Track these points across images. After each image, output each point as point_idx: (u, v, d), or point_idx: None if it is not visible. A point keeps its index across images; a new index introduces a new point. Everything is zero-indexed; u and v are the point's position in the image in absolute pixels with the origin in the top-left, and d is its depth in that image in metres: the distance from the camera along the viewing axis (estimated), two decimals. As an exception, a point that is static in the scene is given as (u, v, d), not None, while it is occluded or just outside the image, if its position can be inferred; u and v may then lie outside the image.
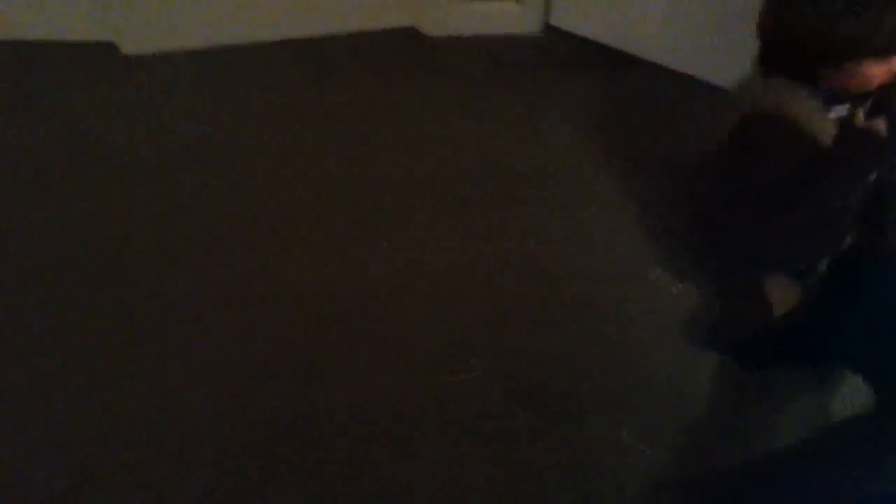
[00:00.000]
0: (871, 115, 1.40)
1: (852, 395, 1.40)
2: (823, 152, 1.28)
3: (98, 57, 2.16)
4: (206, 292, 1.50)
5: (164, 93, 2.07)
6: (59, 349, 1.37)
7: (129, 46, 2.14)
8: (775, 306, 1.44)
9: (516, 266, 1.64)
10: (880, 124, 1.34)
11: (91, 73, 2.11)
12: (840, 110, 1.30)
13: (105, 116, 1.95)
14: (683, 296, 1.60)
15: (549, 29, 2.38)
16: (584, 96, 2.15)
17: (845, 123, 1.31)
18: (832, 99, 1.27)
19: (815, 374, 1.51)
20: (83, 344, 1.39)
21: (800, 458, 1.30)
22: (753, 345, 1.47)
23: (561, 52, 2.30)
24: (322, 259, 1.60)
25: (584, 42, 2.31)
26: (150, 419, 1.27)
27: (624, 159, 1.91)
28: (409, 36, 2.35)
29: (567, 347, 1.49)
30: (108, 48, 2.16)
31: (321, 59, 2.23)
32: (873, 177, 1.36)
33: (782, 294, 1.46)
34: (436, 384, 1.38)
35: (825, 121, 1.31)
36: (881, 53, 1.24)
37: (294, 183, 1.79)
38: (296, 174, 1.82)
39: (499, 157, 1.91)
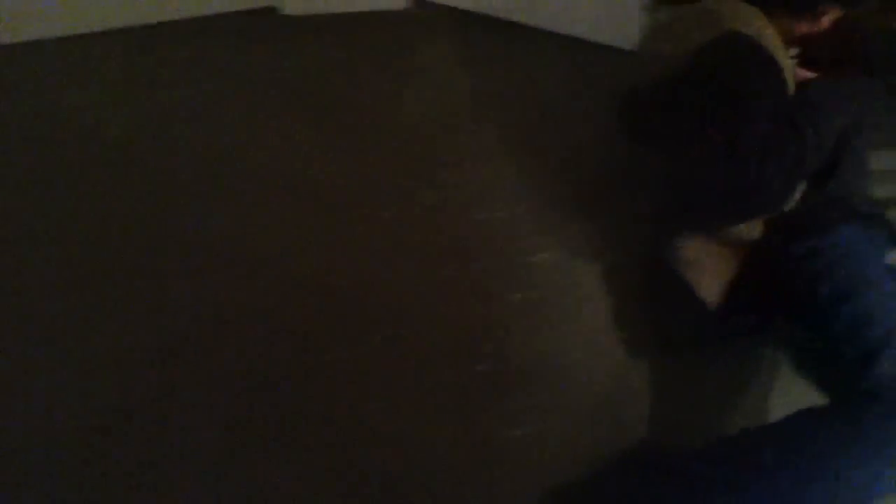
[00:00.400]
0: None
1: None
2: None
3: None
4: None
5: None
6: None
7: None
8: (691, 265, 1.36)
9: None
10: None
11: None
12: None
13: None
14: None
15: (419, 2, 2.24)
16: (447, 66, 2.03)
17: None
18: None
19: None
20: None
21: (730, 456, 1.20)
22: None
23: (428, 23, 2.16)
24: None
25: (456, 11, 2.18)
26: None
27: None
28: (267, 16, 2.17)
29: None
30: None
31: (153, 49, 2.04)
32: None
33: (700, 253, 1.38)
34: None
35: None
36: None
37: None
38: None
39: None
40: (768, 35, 1.33)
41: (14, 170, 1.67)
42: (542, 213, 1.66)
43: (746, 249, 1.39)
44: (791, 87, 1.35)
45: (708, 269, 1.40)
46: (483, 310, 1.50)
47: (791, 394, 1.38)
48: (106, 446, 1.24)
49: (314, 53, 2.06)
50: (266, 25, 2.15)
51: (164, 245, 1.54)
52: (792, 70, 1.38)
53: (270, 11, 2.19)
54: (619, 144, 1.55)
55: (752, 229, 1.38)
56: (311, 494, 1.24)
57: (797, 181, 1.33)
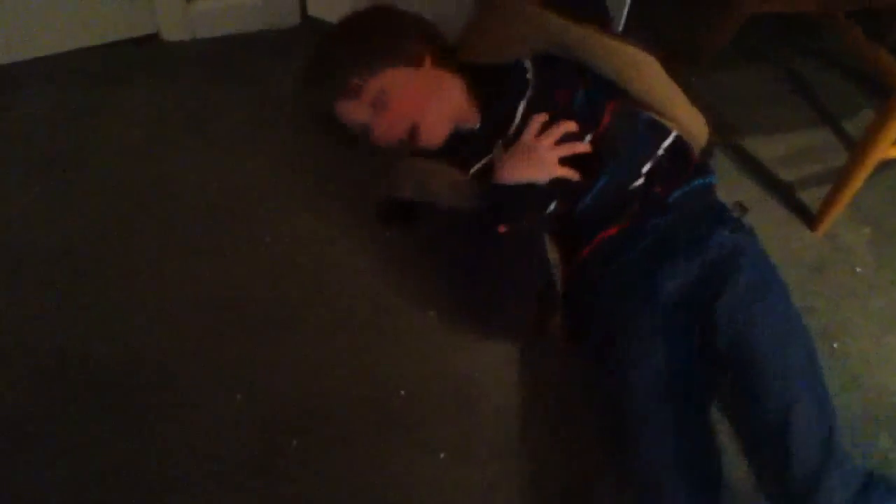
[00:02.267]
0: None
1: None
2: None
3: None
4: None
5: None
6: None
7: None
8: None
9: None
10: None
11: None
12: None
13: None
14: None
15: (307, 20, 2.15)
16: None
17: None
18: None
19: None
20: None
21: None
22: None
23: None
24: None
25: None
26: None
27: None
28: (147, 44, 2.04)
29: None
30: None
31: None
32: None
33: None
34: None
35: None
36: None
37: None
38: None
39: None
40: None
41: None
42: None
43: None
44: None
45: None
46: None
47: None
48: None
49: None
50: (145, 55, 2.02)
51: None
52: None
53: (151, 39, 2.06)
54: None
55: None
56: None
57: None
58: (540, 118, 1.40)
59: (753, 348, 1.23)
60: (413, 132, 1.42)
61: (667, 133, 1.43)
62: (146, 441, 1.34)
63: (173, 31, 2.03)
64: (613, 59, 1.43)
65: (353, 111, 1.43)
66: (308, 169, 1.77)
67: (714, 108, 1.99)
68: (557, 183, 1.38)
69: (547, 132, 1.39)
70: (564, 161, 1.38)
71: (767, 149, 1.95)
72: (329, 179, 1.75)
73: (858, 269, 1.72)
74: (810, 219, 1.79)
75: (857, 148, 1.66)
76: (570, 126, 1.40)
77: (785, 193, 1.85)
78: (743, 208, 1.48)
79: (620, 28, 1.68)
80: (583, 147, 1.40)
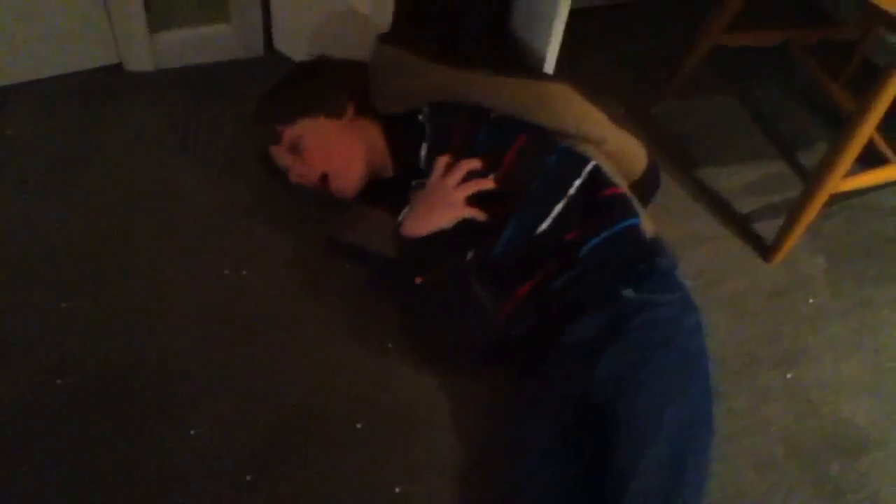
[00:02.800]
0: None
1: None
2: None
3: None
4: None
5: None
6: None
7: None
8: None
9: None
10: None
11: None
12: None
13: None
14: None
15: (271, 53, 2.16)
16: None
17: None
18: None
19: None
20: None
21: None
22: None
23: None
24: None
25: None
26: None
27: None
28: (110, 75, 2.04)
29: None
30: None
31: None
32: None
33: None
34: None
35: None
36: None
37: None
38: None
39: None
40: None
41: None
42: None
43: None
44: None
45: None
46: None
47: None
48: None
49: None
50: (109, 84, 2.02)
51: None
52: None
53: (115, 70, 2.06)
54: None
55: None
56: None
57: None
58: (443, 160, 1.44)
59: (616, 412, 1.21)
60: (325, 180, 1.51)
61: (584, 163, 1.42)
62: (146, 441, 1.33)
63: (136, 62, 2.03)
64: (514, 96, 1.46)
65: (276, 154, 1.55)
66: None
67: (673, 139, 2.04)
68: (467, 225, 1.40)
69: (450, 172, 1.42)
70: (473, 201, 1.40)
71: (724, 180, 1.98)
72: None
73: (812, 300, 1.74)
74: (766, 249, 1.82)
75: (811, 180, 1.69)
76: (474, 164, 1.43)
77: (741, 224, 1.88)
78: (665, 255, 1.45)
79: (552, 68, 1.69)
80: (487, 183, 1.41)
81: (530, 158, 1.43)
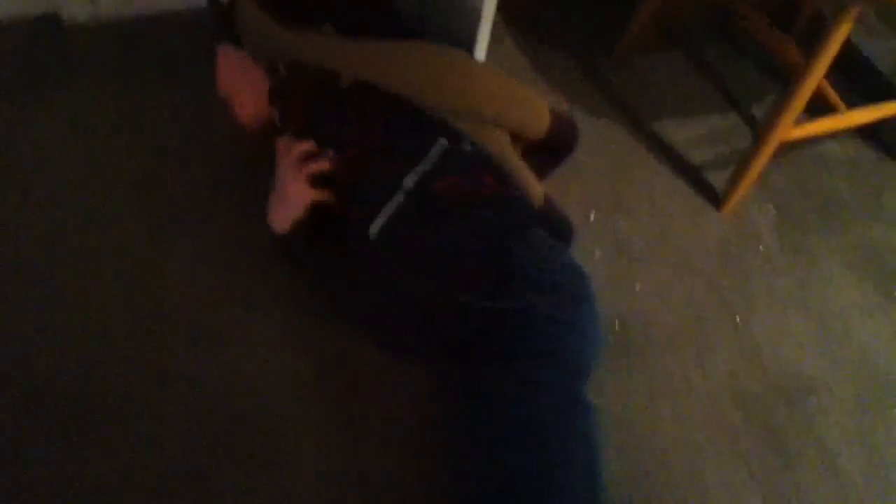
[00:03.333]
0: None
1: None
2: None
3: None
4: None
5: None
6: None
7: None
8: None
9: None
10: None
11: None
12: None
13: None
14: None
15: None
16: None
17: None
18: None
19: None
20: None
21: None
22: None
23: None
24: None
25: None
26: None
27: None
28: (44, 26, 1.95)
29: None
30: None
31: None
32: None
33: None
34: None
35: None
36: None
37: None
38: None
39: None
40: None
41: None
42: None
43: None
44: None
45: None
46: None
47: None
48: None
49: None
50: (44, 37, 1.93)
51: None
52: None
53: (52, 18, 1.97)
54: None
55: None
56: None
57: None
58: (282, 143, 1.39)
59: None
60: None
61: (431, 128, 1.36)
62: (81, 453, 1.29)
63: (75, 10, 1.94)
64: (352, 58, 1.41)
65: None
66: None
67: (623, 95, 2.03)
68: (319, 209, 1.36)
69: (286, 160, 1.37)
70: (319, 183, 1.36)
71: (676, 132, 1.97)
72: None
73: (762, 248, 1.75)
74: (717, 199, 1.82)
75: (761, 128, 1.69)
76: (305, 146, 1.37)
77: (693, 175, 1.88)
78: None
79: (483, 48, 1.60)
80: (323, 165, 1.35)
81: (378, 125, 1.37)
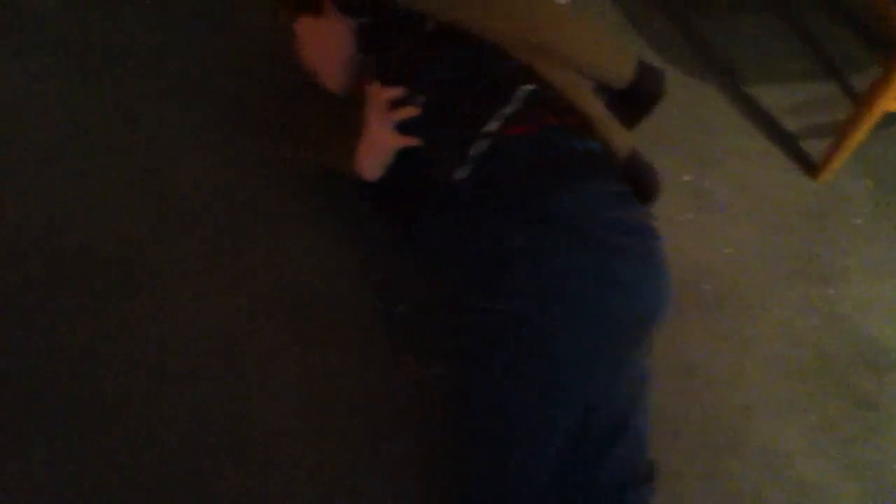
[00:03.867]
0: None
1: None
2: None
3: None
4: None
5: None
6: None
7: None
8: None
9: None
10: None
11: None
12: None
13: None
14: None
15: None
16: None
17: None
18: None
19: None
20: None
21: None
22: None
23: None
24: None
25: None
26: None
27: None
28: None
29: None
30: None
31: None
32: None
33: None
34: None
35: None
36: None
37: None
38: None
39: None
40: None
41: None
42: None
43: None
44: None
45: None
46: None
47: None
48: None
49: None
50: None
51: None
52: None
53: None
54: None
55: None
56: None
57: None
58: (373, 91, 1.35)
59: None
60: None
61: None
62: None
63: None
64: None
65: None
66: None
67: (720, 54, 1.99)
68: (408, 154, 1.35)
69: (375, 108, 1.34)
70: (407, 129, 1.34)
71: (773, 97, 1.94)
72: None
73: (857, 220, 1.72)
74: (812, 168, 1.79)
75: (862, 99, 1.66)
76: (395, 92, 1.34)
77: (788, 142, 1.85)
78: None
79: None
80: (412, 111, 1.32)
81: (458, 71, 1.34)
